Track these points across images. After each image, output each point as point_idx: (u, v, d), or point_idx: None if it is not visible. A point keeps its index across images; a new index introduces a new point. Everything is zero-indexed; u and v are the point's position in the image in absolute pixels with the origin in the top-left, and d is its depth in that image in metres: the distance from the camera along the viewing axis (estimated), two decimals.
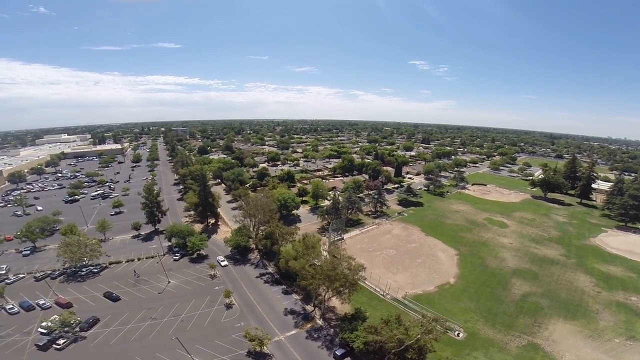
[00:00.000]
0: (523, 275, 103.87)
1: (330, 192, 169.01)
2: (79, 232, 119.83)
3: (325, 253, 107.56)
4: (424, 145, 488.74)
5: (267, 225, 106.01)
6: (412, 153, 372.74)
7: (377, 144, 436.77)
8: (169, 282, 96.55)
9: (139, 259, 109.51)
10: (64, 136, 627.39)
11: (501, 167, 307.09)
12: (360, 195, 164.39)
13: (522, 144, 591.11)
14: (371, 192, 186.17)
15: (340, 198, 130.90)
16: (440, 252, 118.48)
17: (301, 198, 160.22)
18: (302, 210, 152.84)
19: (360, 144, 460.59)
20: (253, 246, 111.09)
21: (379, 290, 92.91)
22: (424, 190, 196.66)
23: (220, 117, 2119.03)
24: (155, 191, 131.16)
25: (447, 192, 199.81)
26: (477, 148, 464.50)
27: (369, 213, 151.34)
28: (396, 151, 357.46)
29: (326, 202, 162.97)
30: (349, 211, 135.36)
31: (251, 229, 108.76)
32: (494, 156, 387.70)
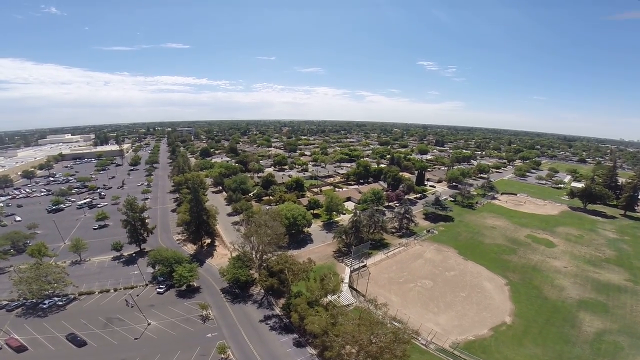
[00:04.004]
0: (591, 308, 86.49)
1: (346, 204, 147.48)
2: (48, 253, 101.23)
3: (346, 287, 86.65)
4: (438, 148, 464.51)
5: (273, 253, 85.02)
6: (428, 157, 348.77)
7: (389, 147, 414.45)
8: (149, 324, 76.19)
9: (115, 290, 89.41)
10: (67, 136, 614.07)
11: (527, 174, 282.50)
12: (381, 208, 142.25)
13: (539, 146, 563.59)
14: (391, 203, 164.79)
15: (360, 215, 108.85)
16: (487, 282, 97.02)
17: (312, 211, 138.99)
18: (314, 227, 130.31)
19: (371, 146, 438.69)
20: (256, 275, 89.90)
21: (419, 338, 71.66)
22: (451, 200, 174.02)
23: (227, 117, 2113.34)
24: (139, 206, 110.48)
25: (477, 202, 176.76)
26: (495, 151, 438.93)
27: (393, 230, 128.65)
28: (410, 154, 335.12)
29: (341, 217, 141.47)
30: (372, 230, 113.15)
31: (253, 255, 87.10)
32: (514, 160, 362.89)
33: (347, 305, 79.58)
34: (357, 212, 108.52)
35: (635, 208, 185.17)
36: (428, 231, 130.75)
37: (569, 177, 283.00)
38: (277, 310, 79.60)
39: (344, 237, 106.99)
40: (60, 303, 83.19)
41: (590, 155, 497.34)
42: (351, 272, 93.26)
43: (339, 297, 74.84)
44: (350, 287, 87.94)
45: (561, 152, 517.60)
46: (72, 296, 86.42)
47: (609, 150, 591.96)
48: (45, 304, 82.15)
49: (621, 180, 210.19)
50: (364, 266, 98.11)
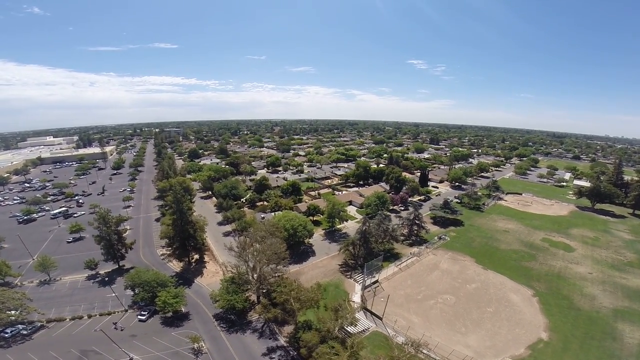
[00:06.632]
0: (628, 318, 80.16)
1: (347, 208, 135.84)
2: (11, 272, 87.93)
3: (360, 310, 75.10)
4: (434, 146, 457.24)
5: (273, 275, 72.79)
6: (426, 155, 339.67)
7: (385, 145, 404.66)
8: (130, 359, 63.60)
9: (89, 316, 76.18)
10: (49, 138, 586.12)
11: (527, 172, 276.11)
12: (387, 213, 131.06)
13: (531, 143, 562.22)
14: (396, 207, 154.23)
15: (369, 224, 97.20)
16: (513, 294, 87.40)
17: (311, 218, 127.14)
18: (315, 236, 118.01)
19: (366, 145, 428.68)
20: (253, 298, 77.65)
21: None
22: (457, 202, 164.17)
23: (217, 117, 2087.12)
24: (114, 218, 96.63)
25: (484, 204, 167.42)
26: (490, 149, 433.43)
27: (402, 238, 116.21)
28: (407, 153, 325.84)
29: (344, 224, 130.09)
30: (381, 240, 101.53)
31: (250, 276, 74.22)
32: (511, 158, 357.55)
33: (363, 331, 68.31)
34: (366, 219, 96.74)
35: None
36: (439, 237, 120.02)
37: (568, 174, 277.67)
38: (282, 341, 67.37)
39: (351, 249, 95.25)
40: (25, 332, 70.76)
41: (583, 152, 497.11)
42: (362, 290, 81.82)
43: (355, 326, 63.34)
44: (364, 308, 76.38)
45: (554, 149, 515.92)
46: (39, 324, 73.71)
47: (598, 147, 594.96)
48: (7, 332, 69.70)
49: (627, 178, 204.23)
50: (376, 282, 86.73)
